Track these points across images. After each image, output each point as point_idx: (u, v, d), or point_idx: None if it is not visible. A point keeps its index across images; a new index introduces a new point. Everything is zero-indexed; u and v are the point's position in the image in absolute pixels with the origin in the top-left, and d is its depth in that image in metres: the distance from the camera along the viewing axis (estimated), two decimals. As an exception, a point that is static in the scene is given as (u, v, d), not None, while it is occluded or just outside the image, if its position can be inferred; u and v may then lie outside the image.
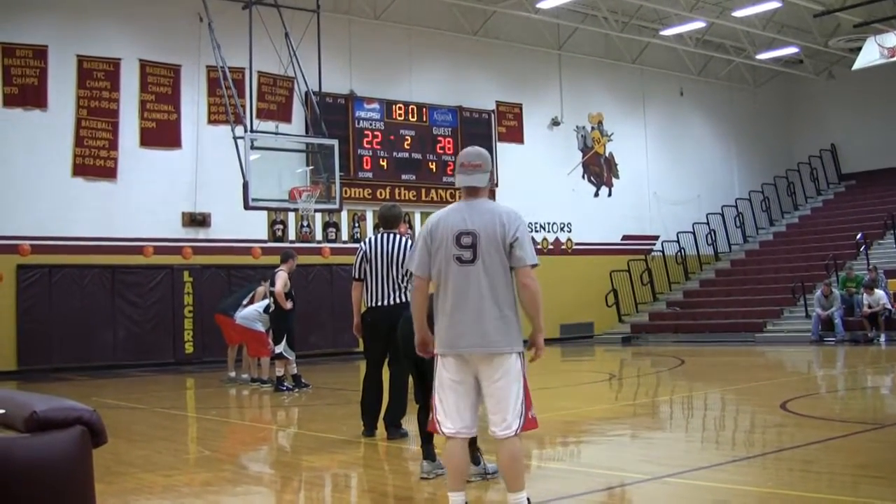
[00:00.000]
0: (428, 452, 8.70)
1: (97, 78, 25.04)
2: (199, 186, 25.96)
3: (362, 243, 11.63)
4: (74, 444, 4.28)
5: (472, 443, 7.62)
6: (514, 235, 6.59)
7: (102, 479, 8.91)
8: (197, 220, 26.05)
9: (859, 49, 31.40)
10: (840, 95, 40.06)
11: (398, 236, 11.35)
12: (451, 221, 6.78)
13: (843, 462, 9.14)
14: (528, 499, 6.73)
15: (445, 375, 6.68)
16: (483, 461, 8.50)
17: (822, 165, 41.24)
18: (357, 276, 11.36)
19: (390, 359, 11.29)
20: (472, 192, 6.92)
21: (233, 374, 20.26)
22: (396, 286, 11.14)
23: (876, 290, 26.72)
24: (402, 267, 11.01)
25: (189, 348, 25.60)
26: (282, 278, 17.19)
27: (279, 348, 17.33)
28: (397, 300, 11.10)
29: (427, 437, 8.61)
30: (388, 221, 11.52)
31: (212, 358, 24.92)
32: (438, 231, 6.79)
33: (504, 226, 6.61)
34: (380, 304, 11.18)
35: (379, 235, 11.41)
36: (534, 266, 6.64)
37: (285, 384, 17.61)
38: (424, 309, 6.92)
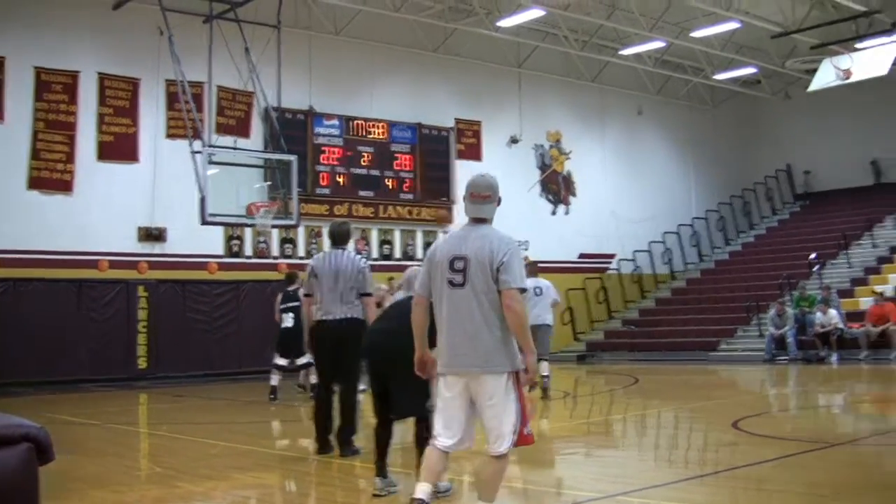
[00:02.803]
0: (380, 469, 8.72)
1: (55, 90, 24.85)
2: (156, 201, 25.79)
3: (312, 259, 11.69)
4: (20, 461, 4.26)
5: (420, 455, 7.74)
6: (501, 260, 6.76)
7: (52, 496, 8.83)
8: (153, 234, 25.87)
9: (815, 70, 31.63)
10: (796, 116, 40.35)
11: (348, 253, 11.42)
12: (448, 246, 7.03)
13: (796, 481, 9.21)
14: None
15: (443, 392, 6.92)
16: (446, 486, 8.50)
17: (778, 185, 41.55)
18: (306, 292, 11.41)
19: (340, 375, 11.30)
20: (479, 220, 7.15)
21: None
22: (344, 301, 11.13)
23: (829, 310, 26.91)
24: (350, 282, 11.10)
25: (143, 364, 25.34)
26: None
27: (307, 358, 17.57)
28: (345, 315, 11.11)
29: (381, 453, 8.67)
30: (337, 238, 11.62)
31: (165, 373, 24.84)
32: (437, 255, 7.05)
33: (493, 251, 6.80)
34: (325, 318, 11.18)
35: (328, 252, 11.48)
36: (522, 290, 6.79)
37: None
38: (424, 327, 7.14)
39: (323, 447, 11.26)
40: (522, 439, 6.83)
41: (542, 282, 17.95)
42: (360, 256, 11.51)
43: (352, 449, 11.03)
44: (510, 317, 6.69)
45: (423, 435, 8.07)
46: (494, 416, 6.74)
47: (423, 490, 6.79)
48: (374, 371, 8.77)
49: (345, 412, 11.19)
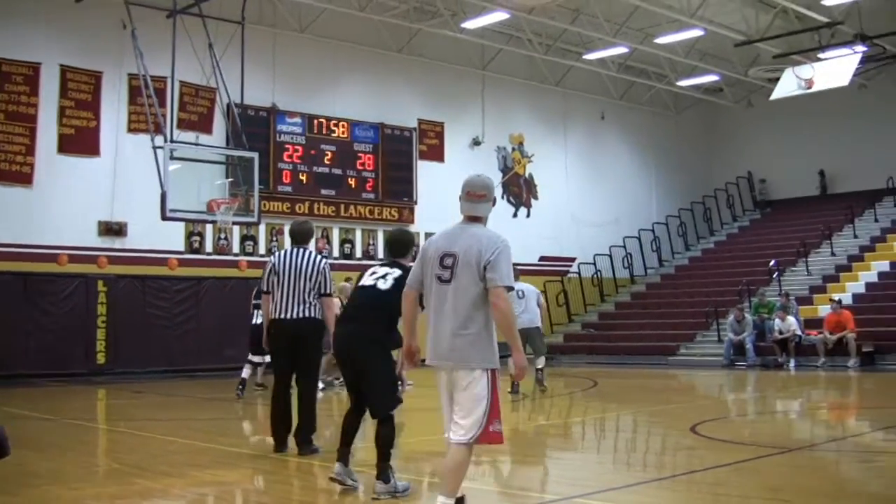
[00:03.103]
0: (342, 455, 8.89)
1: (16, 82, 24.65)
2: (117, 195, 25.64)
3: (272, 256, 11.73)
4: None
5: (380, 460, 8.47)
6: (489, 259, 6.99)
7: (8, 491, 8.81)
8: (113, 229, 25.72)
9: (778, 79, 31.80)
10: (758, 124, 40.59)
11: (308, 251, 11.43)
12: (440, 243, 7.32)
13: (752, 485, 9.25)
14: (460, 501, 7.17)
15: (440, 385, 7.30)
16: (393, 480, 8.61)
17: (739, 192, 41.77)
18: (265, 289, 11.38)
19: (298, 374, 11.37)
20: (473, 219, 7.35)
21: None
22: (302, 300, 11.14)
23: (788, 317, 27.07)
24: (311, 282, 11.13)
25: (101, 359, 25.14)
26: None
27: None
28: (302, 314, 11.13)
29: (345, 440, 8.92)
30: (298, 237, 11.66)
31: (124, 369, 24.67)
32: (429, 251, 7.35)
33: (481, 251, 7.04)
34: (283, 316, 11.18)
35: (289, 250, 11.47)
36: (508, 289, 7.02)
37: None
38: (412, 319, 7.56)
39: (280, 445, 11.24)
40: (488, 436, 7.04)
41: (524, 285, 18.05)
42: (321, 256, 11.50)
43: (311, 448, 11.04)
44: (496, 314, 6.98)
45: (385, 434, 8.57)
46: (461, 407, 7.02)
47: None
48: (347, 371, 9.14)
49: (303, 412, 11.20)
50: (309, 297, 11.14)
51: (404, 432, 12.49)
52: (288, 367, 11.36)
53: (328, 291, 11.29)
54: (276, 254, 11.69)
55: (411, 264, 8.04)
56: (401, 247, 9.34)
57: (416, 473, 9.55)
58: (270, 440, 11.37)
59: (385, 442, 8.59)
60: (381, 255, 30.38)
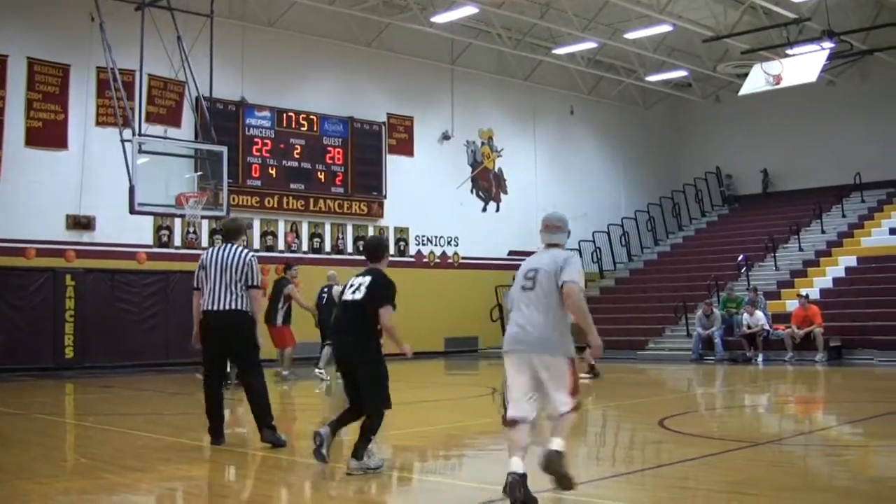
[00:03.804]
0: (357, 449, 9.54)
1: (-18, 74, 24.57)
2: (85, 189, 25.51)
3: (203, 254, 11.73)
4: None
5: (360, 440, 9.52)
6: (561, 265, 8.28)
7: (-25, 486, 8.76)
8: (81, 223, 25.60)
9: (746, 75, 31.91)
10: (726, 120, 40.77)
11: (236, 247, 11.48)
12: (527, 263, 8.68)
13: (719, 479, 9.29)
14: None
15: (509, 368, 8.39)
16: (366, 458, 9.51)
17: (707, 188, 41.92)
18: (195, 286, 11.42)
19: (240, 370, 11.61)
20: (552, 245, 8.79)
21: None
22: (230, 292, 11.19)
23: (756, 311, 27.21)
24: (237, 275, 11.21)
25: (69, 353, 25.07)
26: None
27: None
28: (229, 306, 11.18)
29: (364, 437, 9.57)
30: (227, 234, 11.82)
31: (92, 363, 24.59)
32: (520, 270, 8.65)
33: (556, 262, 8.37)
34: (211, 308, 11.23)
35: (219, 247, 11.55)
36: (576, 284, 8.23)
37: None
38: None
39: (215, 438, 11.34)
40: (575, 406, 8.35)
41: None
42: (246, 251, 11.55)
43: (275, 435, 11.13)
44: (568, 304, 8.19)
45: (371, 423, 9.61)
46: (554, 387, 8.23)
47: (517, 466, 8.11)
48: (345, 374, 10.19)
49: (254, 400, 11.31)
50: (236, 289, 11.20)
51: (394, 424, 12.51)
52: (218, 359, 11.53)
53: (255, 283, 11.34)
54: (206, 251, 11.79)
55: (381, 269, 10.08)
56: (375, 251, 10.36)
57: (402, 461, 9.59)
58: (242, 433, 11.37)
59: (369, 429, 9.57)
60: (350, 249, 30.50)
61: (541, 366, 8.21)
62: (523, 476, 8.04)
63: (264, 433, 11.14)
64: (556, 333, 8.25)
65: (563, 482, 8.25)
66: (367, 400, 9.79)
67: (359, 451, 9.49)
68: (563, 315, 8.30)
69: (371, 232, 31.50)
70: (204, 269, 11.34)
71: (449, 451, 11.71)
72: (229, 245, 11.48)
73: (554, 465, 8.21)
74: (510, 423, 8.36)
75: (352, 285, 10.08)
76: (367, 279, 9.96)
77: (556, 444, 8.26)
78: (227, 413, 12.65)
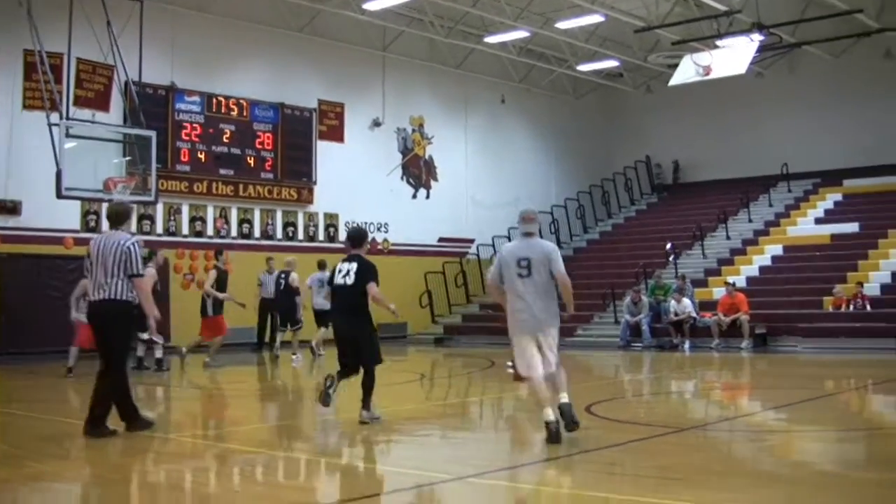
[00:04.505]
0: (365, 404, 12.08)
1: None
2: (11, 173, 25.09)
3: (92, 240, 11.55)
4: None
5: (365, 396, 12.13)
6: (551, 257, 10.87)
7: None
8: (7, 207, 25.21)
9: (676, 66, 32.08)
10: (657, 109, 41.02)
11: (120, 234, 11.35)
12: (514, 251, 11.02)
13: (645, 464, 9.38)
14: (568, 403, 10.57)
15: (519, 344, 10.88)
16: (373, 409, 12.13)
17: (637, 176, 42.18)
18: (84, 273, 11.37)
19: (105, 355, 11.33)
20: (530, 234, 11.14)
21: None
22: (107, 282, 11.07)
23: (683, 299, 27.45)
24: (115, 263, 11.06)
25: (-6, 339, 24.81)
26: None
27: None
28: (106, 296, 11.08)
29: (367, 393, 12.10)
30: (113, 219, 11.65)
31: (18, 349, 24.26)
32: (506, 257, 11.01)
33: (545, 254, 10.87)
34: (94, 298, 11.19)
35: (104, 233, 11.46)
36: (566, 274, 10.94)
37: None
38: (500, 299, 11.25)
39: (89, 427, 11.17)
40: (562, 362, 10.90)
41: None
42: (129, 237, 11.37)
43: (101, 430, 10.98)
44: (561, 286, 10.87)
45: (368, 380, 12.19)
46: (550, 350, 10.72)
47: (550, 415, 10.37)
48: (344, 346, 12.40)
49: (99, 393, 11.17)
50: (116, 278, 11.06)
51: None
52: (101, 348, 11.39)
53: (134, 272, 11.18)
54: (94, 238, 11.59)
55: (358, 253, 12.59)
56: (358, 239, 12.86)
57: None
58: (176, 419, 11.29)
59: (368, 385, 12.15)
60: (279, 235, 30.40)
61: (542, 335, 10.73)
62: (558, 422, 10.33)
63: (91, 428, 10.99)
64: (551, 311, 10.86)
65: (572, 426, 10.37)
66: (366, 361, 12.21)
67: (366, 403, 12.09)
68: (554, 296, 10.90)
69: (301, 218, 31.41)
70: (89, 257, 11.26)
71: (375, 436, 11.72)
72: (114, 232, 11.36)
73: (568, 413, 10.40)
74: (530, 380, 10.69)
75: (341, 271, 12.38)
76: (354, 265, 12.31)
77: (565, 396, 10.53)
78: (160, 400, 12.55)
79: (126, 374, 11.41)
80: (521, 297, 10.74)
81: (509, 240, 35.48)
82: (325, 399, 12.13)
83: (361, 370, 12.27)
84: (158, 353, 20.47)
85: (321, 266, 23.03)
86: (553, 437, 10.18)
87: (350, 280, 12.19)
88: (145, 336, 19.23)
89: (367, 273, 12.21)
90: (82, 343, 18.68)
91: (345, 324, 12.37)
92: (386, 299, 12.30)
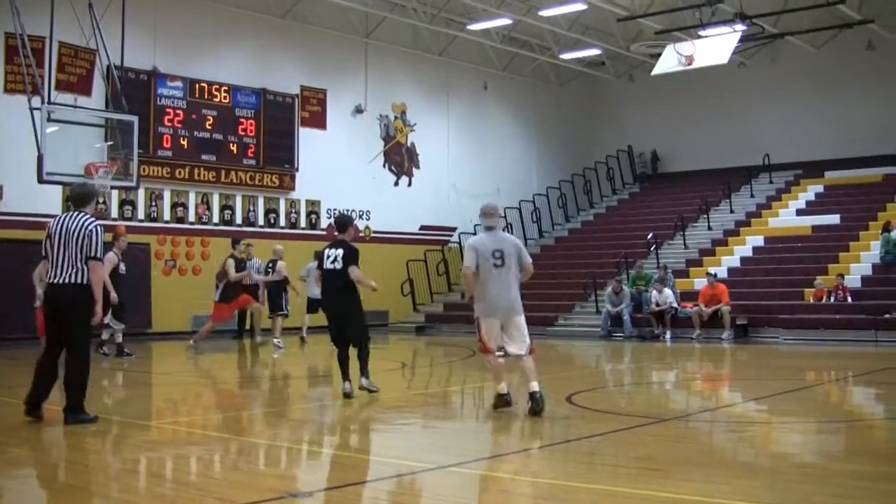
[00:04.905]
0: (345, 376, 13.57)
1: None
2: (-8, 157, 25.05)
3: (50, 222, 11.38)
4: None
5: (362, 367, 13.75)
6: (521, 250, 12.16)
7: None
8: (-12, 191, 25.17)
9: (659, 55, 32.14)
10: (639, 98, 41.13)
11: (81, 215, 11.14)
12: (488, 244, 11.93)
13: (626, 454, 9.38)
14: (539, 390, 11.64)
15: (489, 326, 12.01)
16: (371, 377, 13.82)
17: (619, 166, 42.26)
18: (43, 254, 11.27)
19: (66, 346, 11.18)
20: (492, 228, 12.22)
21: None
22: (70, 264, 10.93)
23: (664, 289, 27.47)
24: (76, 245, 10.91)
25: (-23, 325, 24.68)
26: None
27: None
28: (67, 279, 10.93)
29: (344, 369, 13.59)
30: (74, 201, 11.46)
31: (3, 336, 24.13)
32: (481, 249, 11.90)
33: (516, 247, 12.10)
34: (53, 281, 11.02)
35: (66, 214, 11.22)
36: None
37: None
38: (473, 286, 12.04)
39: (32, 411, 11.08)
40: (531, 350, 12.15)
41: None
42: (90, 219, 11.16)
43: (78, 417, 10.92)
44: (527, 273, 12.25)
45: (363, 354, 13.84)
46: (519, 335, 12.07)
47: (504, 388, 12.13)
48: (335, 324, 13.88)
49: (68, 380, 11.09)
50: (77, 261, 10.92)
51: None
52: (57, 332, 11.16)
53: (94, 254, 11.00)
54: (55, 218, 11.41)
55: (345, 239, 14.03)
56: (343, 225, 14.23)
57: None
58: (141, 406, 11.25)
59: (366, 356, 13.86)
60: (261, 222, 30.34)
61: (507, 321, 11.98)
62: (509, 394, 12.09)
63: (68, 416, 10.93)
64: (518, 299, 12.12)
65: (538, 411, 11.40)
66: (359, 336, 13.79)
67: (364, 371, 13.74)
68: (519, 285, 12.16)
69: (282, 204, 31.37)
70: (50, 238, 11.08)
71: (356, 424, 11.71)
72: (76, 213, 11.17)
73: (538, 400, 11.46)
74: (493, 351, 12.06)
75: (329, 256, 13.74)
76: (340, 251, 13.69)
77: (534, 385, 11.61)
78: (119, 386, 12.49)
79: (89, 360, 11.29)
80: (498, 285, 11.84)
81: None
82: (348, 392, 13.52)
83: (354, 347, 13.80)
84: (119, 339, 20.65)
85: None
86: (504, 405, 12.03)
87: (339, 265, 13.57)
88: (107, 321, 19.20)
89: (350, 257, 13.65)
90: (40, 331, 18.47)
91: (333, 303, 13.85)
92: (365, 279, 13.74)
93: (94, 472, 8.99)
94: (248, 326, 27.28)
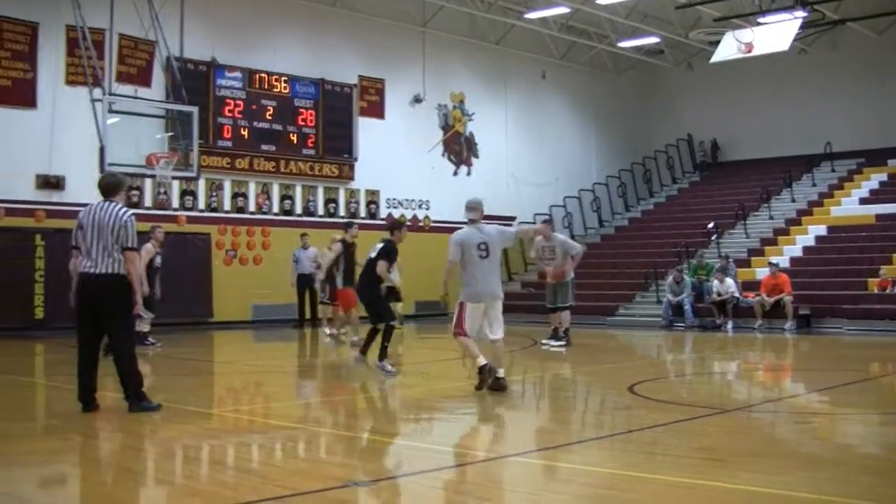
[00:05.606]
0: (383, 354, 15.17)
1: (-50, 32, 24.28)
2: (55, 148, 25.26)
3: (81, 212, 11.34)
4: None
5: (381, 348, 15.12)
6: (503, 233, 13.69)
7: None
8: (51, 182, 25.37)
9: (718, 42, 31.90)
10: (698, 86, 40.87)
11: (114, 205, 11.12)
12: (473, 237, 13.16)
13: (687, 445, 9.33)
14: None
15: (473, 310, 13.13)
16: (386, 362, 15.09)
17: (679, 154, 42.00)
18: (73, 244, 11.25)
19: (108, 334, 11.29)
20: (475, 221, 13.36)
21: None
22: (106, 254, 10.89)
23: (726, 279, 27.29)
24: (111, 235, 10.89)
25: (39, 314, 24.91)
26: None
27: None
28: (104, 269, 10.89)
29: (384, 345, 15.20)
30: (105, 190, 11.40)
31: (62, 324, 24.34)
32: (466, 242, 13.12)
33: (500, 234, 13.59)
34: (87, 272, 10.96)
35: (97, 204, 11.17)
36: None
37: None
38: (455, 277, 13.41)
39: (86, 405, 11.08)
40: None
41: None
42: (124, 209, 11.17)
43: (140, 405, 10.99)
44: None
45: (385, 336, 15.21)
46: (498, 320, 13.28)
47: (483, 360, 12.99)
48: (366, 308, 15.93)
49: (121, 372, 11.13)
50: (112, 250, 10.90)
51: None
52: (93, 324, 11.12)
53: (130, 245, 11.00)
54: (85, 208, 11.35)
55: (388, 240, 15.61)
56: (390, 228, 16.01)
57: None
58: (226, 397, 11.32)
59: (385, 339, 15.20)
60: (320, 212, 30.47)
61: (491, 305, 13.21)
62: (489, 364, 12.94)
63: (131, 404, 10.98)
64: (500, 284, 13.62)
65: (499, 390, 12.77)
66: (381, 320, 15.39)
67: (382, 354, 15.09)
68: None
69: (342, 194, 31.48)
70: (81, 228, 11.05)
71: (417, 414, 11.74)
72: (107, 203, 11.13)
73: (502, 384, 12.88)
74: (466, 334, 13.07)
75: (374, 248, 15.54)
76: (380, 246, 15.45)
77: (501, 372, 12.99)
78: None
79: (134, 349, 11.37)
80: (483, 275, 13.16)
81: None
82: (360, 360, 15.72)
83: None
84: (145, 328, 20.46)
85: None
86: (485, 376, 12.93)
87: (373, 254, 15.45)
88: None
89: (384, 254, 15.35)
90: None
91: (364, 289, 15.86)
92: (386, 276, 15.63)
93: (157, 458, 9.06)
94: (308, 316, 27.38)
